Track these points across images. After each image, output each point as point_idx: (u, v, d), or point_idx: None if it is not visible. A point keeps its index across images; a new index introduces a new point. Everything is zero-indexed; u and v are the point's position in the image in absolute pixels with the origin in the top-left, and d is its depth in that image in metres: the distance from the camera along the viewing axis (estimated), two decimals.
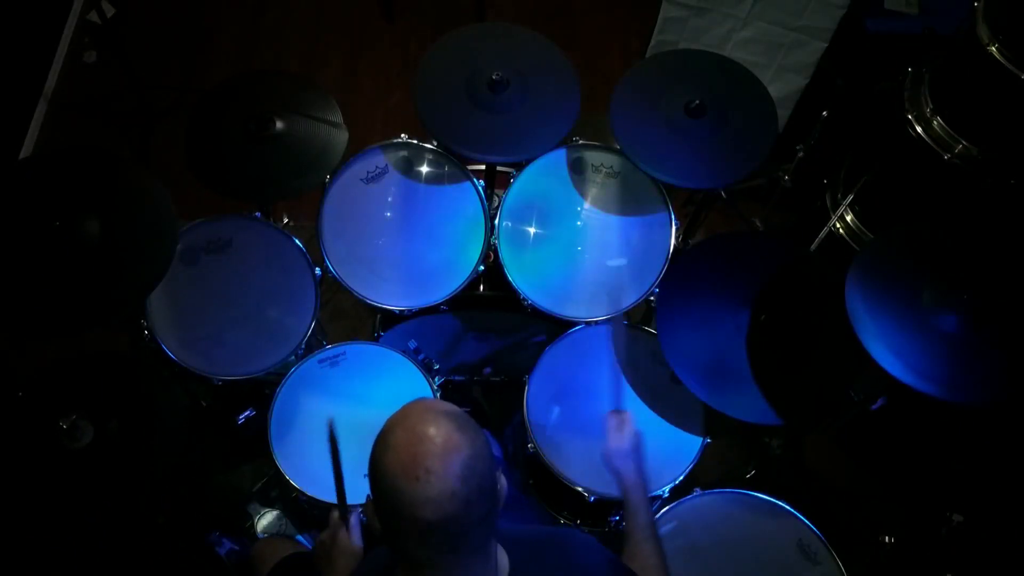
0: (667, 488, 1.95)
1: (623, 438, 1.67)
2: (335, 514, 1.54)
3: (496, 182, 2.42)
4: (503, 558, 1.16)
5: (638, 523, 1.52)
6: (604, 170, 2.21)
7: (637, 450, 1.66)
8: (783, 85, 2.96)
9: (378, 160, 2.20)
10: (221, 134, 2.09)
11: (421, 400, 1.11)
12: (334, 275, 2.12)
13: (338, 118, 2.12)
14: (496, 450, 2.35)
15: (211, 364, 2.04)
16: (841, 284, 1.70)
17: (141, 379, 1.95)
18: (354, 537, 1.51)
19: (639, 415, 2.05)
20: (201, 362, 2.03)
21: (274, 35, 3.70)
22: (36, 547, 1.98)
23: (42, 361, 1.93)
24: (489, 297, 2.35)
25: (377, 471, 1.04)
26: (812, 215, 2.75)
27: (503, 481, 1.12)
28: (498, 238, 2.14)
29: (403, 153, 2.22)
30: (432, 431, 1.03)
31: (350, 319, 2.82)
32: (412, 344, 2.13)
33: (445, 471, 1.00)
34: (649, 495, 1.59)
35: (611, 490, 1.96)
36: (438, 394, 2.03)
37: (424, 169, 2.22)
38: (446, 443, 1.02)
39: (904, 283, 1.71)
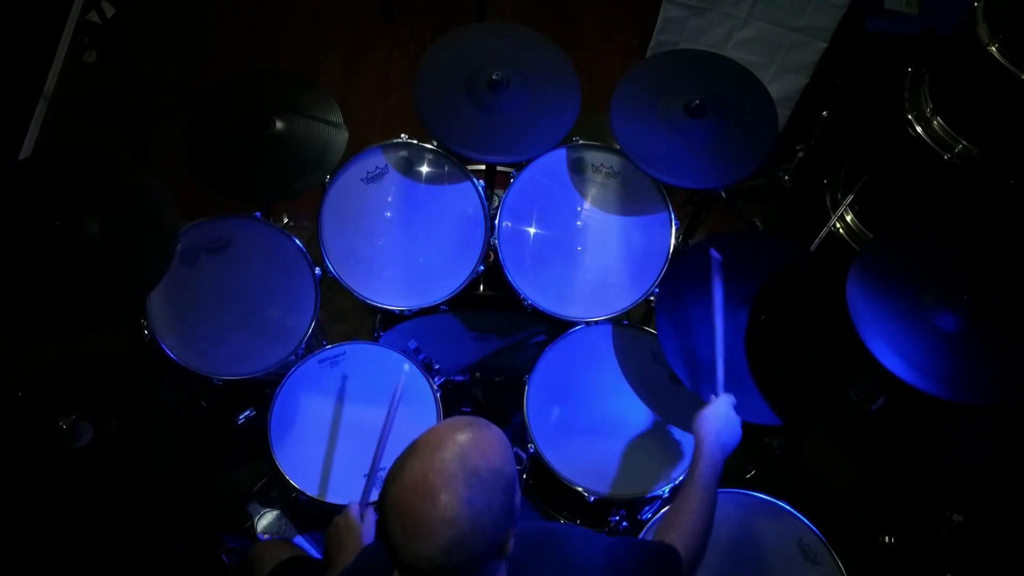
0: (667, 488, 1.96)
1: (719, 408, 1.64)
2: (351, 507, 1.58)
3: (496, 182, 2.42)
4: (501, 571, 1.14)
5: (692, 475, 1.52)
6: (604, 170, 2.21)
7: (728, 422, 1.62)
8: (783, 85, 2.96)
9: (378, 160, 2.20)
10: (221, 134, 2.09)
11: (465, 433, 1.02)
12: (334, 275, 2.12)
13: (338, 118, 2.12)
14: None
15: (211, 364, 2.04)
16: (841, 284, 1.70)
17: (141, 379, 1.95)
18: (366, 525, 1.53)
19: (639, 415, 2.06)
20: (201, 362, 2.03)
21: (274, 35, 3.70)
22: (36, 547, 1.98)
23: (42, 361, 1.93)
24: (489, 297, 2.35)
25: (385, 487, 1.02)
26: (812, 215, 2.75)
27: (511, 543, 1.06)
28: (498, 238, 2.14)
29: (403, 153, 2.22)
30: (441, 486, 0.97)
31: (350, 319, 2.82)
32: (412, 344, 2.13)
33: (430, 538, 0.96)
34: (719, 469, 1.55)
35: (610, 490, 1.96)
36: (438, 395, 2.03)
37: (424, 169, 2.22)
38: (445, 510, 0.96)
39: (904, 283, 1.71)
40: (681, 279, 2.01)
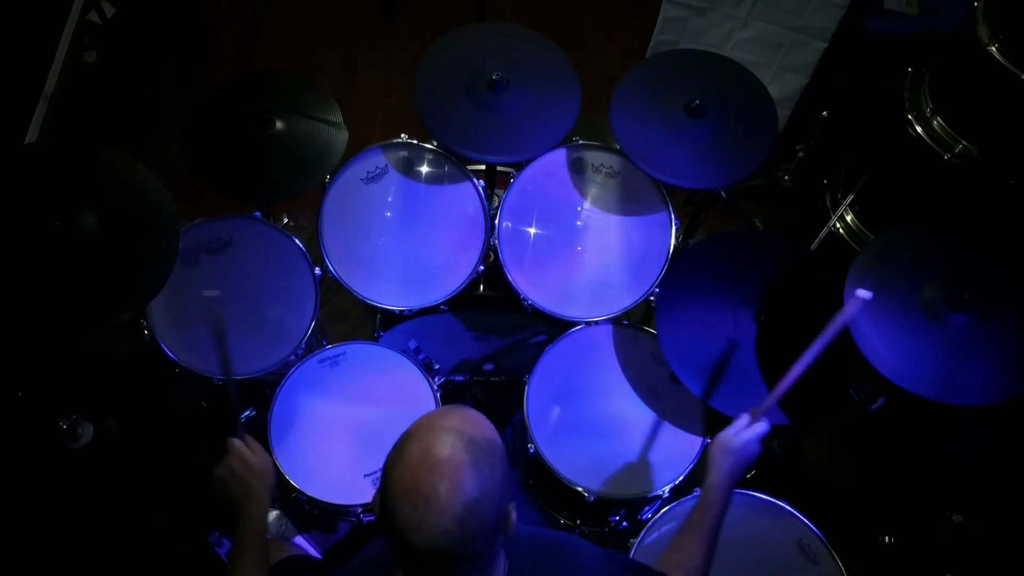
0: (667, 488, 1.96)
1: (741, 437, 1.51)
2: (234, 441, 1.47)
3: (496, 182, 2.42)
4: (502, 559, 1.14)
5: (699, 519, 1.43)
6: (604, 170, 2.21)
7: (742, 453, 1.49)
8: (783, 85, 2.96)
9: (378, 160, 2.20)
10: (221, 134, 2.09)
11: (455, 413, 1.06)
12: (334, 275, 2.12)
13: (338, 118, 2.12)
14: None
15: (211, 364, 2.04)
16: (841, 284, 1.70)
17: (140, 379, 1.95)
18: (259, 452, 1.46)
19: (639, 415, 2.06)
20: (201, 362, 2.03)
21: (274, 35, 3.70)
22: (36, 547, 1.98)
23: (42, 361, 1.93)
24: (489, 297, 2.35)
25: (385, 476, 1.03)
26: (812, 215, 2.75)
27: (514, 515, 1.08)
28: (498, 238, 2.14)
29: (403, 153, 2.22)
30: (445, 458, 0.98)
31: (350, 319, 2.82)
32: (412, 344, 2.13)
33: (443, 508, 0.97)
34: (727, 502, 1.46)
35: (610, 490, 1.97)
36: (438, 395, 2.03)
37: (424, 169, 2.22)
38: (453, 479, 0.98)
39: (904, 283, 1.71)
40: (681, 279, 2.01)
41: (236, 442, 1.48)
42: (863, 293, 1.41)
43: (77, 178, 1.84)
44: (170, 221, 1.82)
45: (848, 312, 1.44)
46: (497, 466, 1.03)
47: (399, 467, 1.01)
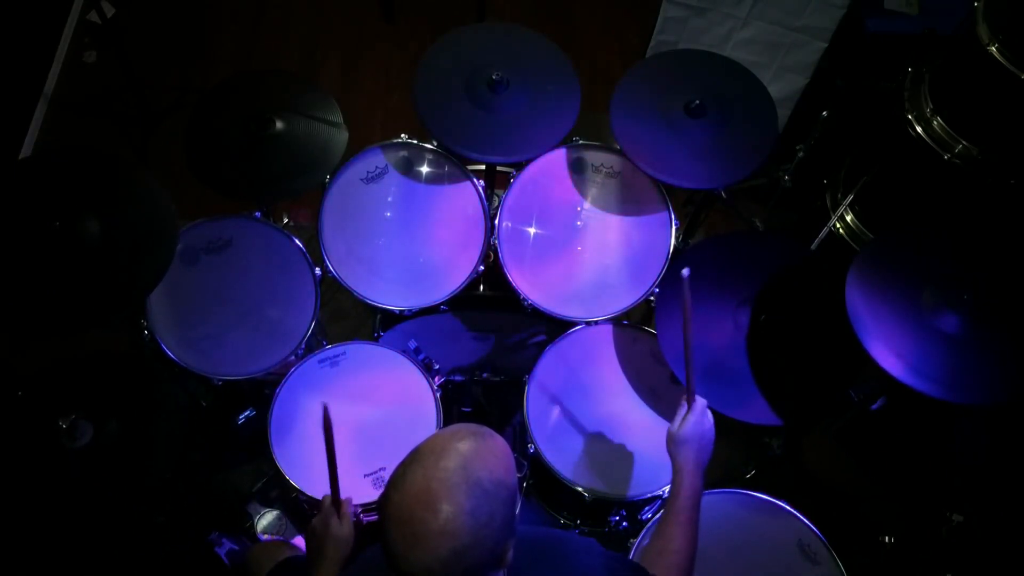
0: (667, 488, 1.95)
1: (687, 423, 1.52)
2: (327, 500, 1.50)
3: (496, 182, 2.42)
4: None
5: (674, 506, 1.44)
6: (604, 170, 2.21)
7: (694, 436, 1.50)
8: (783, 85, 2.96)
9: (378, 160, 2.20)
10: (221, 134, 2.09)
11: (469, 442, 1.01)
12: (334, 275, 2.12)
13: (338, 118, 2.13)
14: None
15: (211, 364, 2.04)
16: (841, 284, 1.70)
17: (141, 379, 1.96)
18: (346, 524, 1.47)
19: (639, 415, 2.06)
20: (201, 362, 2.03)
21: (274, 35, 3.70)
22: (36, 547, 1.98)
23: (42, 361, 1.94)
24: (489, 297, 2.35)
25: (385, 492, 1.01)
26: (812, 215, 2.75)
27: (511, 554, 1.05)
28: (498, 238, 2.14)
29: (403, 153, 2.22)
30: (443, 496, 0.95)
31: (350, 319, 2.82)
32: (412, 344, 2.13)
33: (430, 548, 0.95)
34: (699, 488, 1.47)
35: (610, 490, 1.97)
36: (438, 394, 2.03)
37: (424, 169, 2.22)
38: (446, 521, 0.95)
39: (904, 283, 1.71)
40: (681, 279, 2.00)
41: (326, 504, 1.49)
42: (684, 272, 1.51)
43: (78, 179, 1.84)
44: (169, 221, 1.82)
45: (686, 292, 1.52)
46: (498, 512, 0.99)
47: (399, 491, 0.98)
